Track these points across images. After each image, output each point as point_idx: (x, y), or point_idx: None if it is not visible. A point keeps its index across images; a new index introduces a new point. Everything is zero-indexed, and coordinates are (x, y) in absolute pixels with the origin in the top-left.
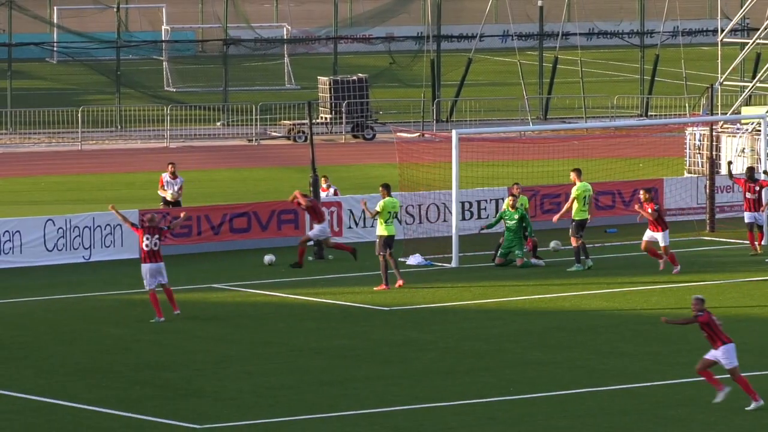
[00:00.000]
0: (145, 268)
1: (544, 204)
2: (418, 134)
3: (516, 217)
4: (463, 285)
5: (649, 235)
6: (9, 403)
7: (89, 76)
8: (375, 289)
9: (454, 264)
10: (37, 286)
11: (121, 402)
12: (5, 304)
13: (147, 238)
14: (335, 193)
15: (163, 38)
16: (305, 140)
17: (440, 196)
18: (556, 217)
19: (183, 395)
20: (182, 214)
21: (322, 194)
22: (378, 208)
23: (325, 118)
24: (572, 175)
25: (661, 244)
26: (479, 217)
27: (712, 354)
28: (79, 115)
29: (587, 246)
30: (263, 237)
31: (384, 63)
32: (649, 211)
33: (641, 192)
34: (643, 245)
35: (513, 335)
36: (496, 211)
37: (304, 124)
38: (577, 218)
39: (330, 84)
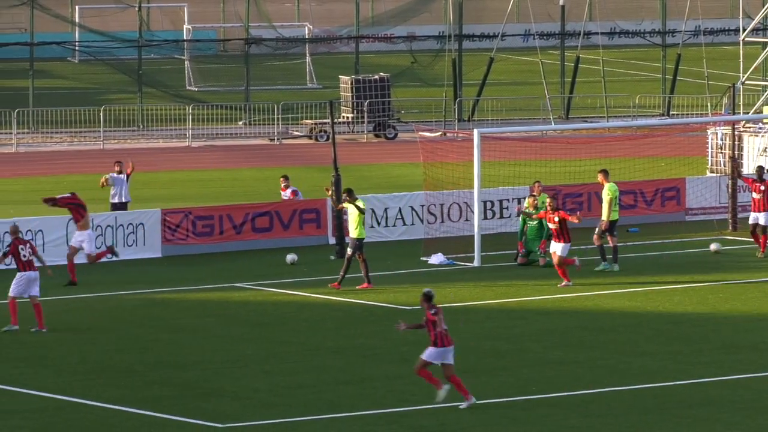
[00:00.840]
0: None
1: (566, 203)
2: (440, 133)
3: (535, 217)
4: (485, 284)
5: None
6: (29, 402)
7: (111, 75)
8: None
9: (476, 263)
10: (59, 285)
11: (140, 401)
12: (25, 303)
13: (21, 248)
14: (293, 194)
15: (185, 37)
16: (327, 139)
17: (462, 195)
18: (604, 224)
19: (203, 394)
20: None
21: (282, 194)
22: (362, 206)
23: (347, 118)
24: (600, 177)
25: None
26: (501, 216)
27: (429, 353)
28: (101, 114)
29: (604, 247)
30: (285, 236)
31: (405, 62)
32: (556, 219)
33: (548, 199)
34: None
35: (534, 334)
36: (518, 211)
37: (325, 123)
38: (609, 219)
39: (352, 83)
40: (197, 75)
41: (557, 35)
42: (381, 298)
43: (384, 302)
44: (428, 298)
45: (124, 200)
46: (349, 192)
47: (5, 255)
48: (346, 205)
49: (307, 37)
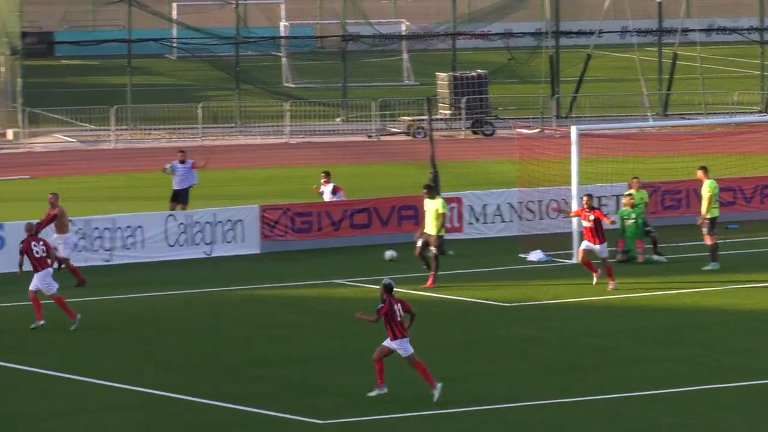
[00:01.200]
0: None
1: (665, 200)
2: (538, 130)
3: (633, 216)
4: (583, 281)
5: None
6: (130, 398)
7: (209, 72)
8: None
9: (574, 260)
10: (159, 281)
11: (241, 397)
12: (127, 300)
13: (34, 245)
14: (335, 191)
15: (282, 34)
16: (424, 136)
17: (560, 192)
18: (703, 220)
19: (304, 391)
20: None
21: (322, 189)
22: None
23: (445, 115)
24: (699, 173)
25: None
26: None
27: (389, 342)
28: (199, 111)
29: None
30: (384, 233)
31: (502, 59)
32: (591, 218)
33: (585, 197)
34: (580, 257)
35: (632, 332)
36: (617, 207)
37: (423, 120)
38: (709, 216)
39: (449, 80)
40: (294, 72)
41: (654, 32)
42: (478, 294)
43: (481, 299)
44: (388, 289)
45: (182, 186)
46: (429, 188)
47: (21, 254)
48: (426, 201)
49: (403, 33)
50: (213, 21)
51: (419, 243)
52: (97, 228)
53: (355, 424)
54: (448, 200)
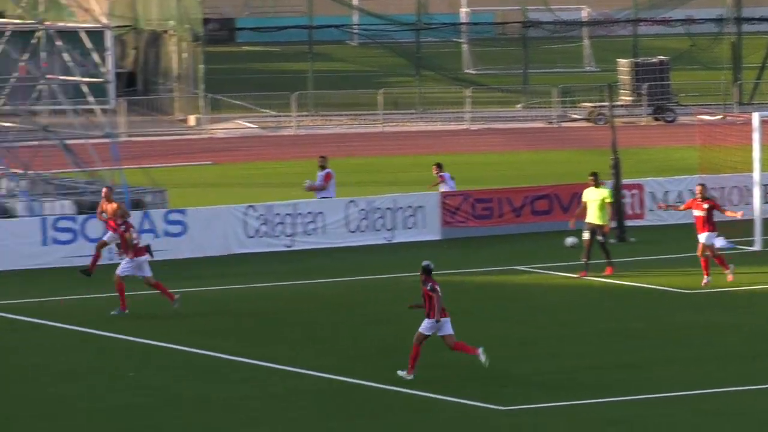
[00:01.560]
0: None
1: None
2: (720, 116)
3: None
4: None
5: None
6: (313, 383)
7: (389, 58)
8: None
9: (756, 247)
10: (340, 267)
11: (421, 382)
12: (311, 285)
13: (132, 231)
14: (441, 179)
15: (462, 20)
16: (605, 123)
17: (742, 178)
18: None
19: (485, 377)
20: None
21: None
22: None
23: (626, 101)
24: None
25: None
26: None
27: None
28: (380, 97)
29: None
30: (565, 219)
31: (683, 45)
32: (706, 207)
33: (698, 186)
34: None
35: None
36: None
37: (604, 106)
38: None
39: (631, 66)
40: (475, 58)
41: None
42: (660, 281)
43: (663, 285)
44: (426, 271)
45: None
46: (595, 176)
47: (123, 233)
48: (591, 189)
49: (584, 20)
50: (394, 7)
51: (586, 235)
52: (278, 214)
53: (536, 410)
54: (628, 187)
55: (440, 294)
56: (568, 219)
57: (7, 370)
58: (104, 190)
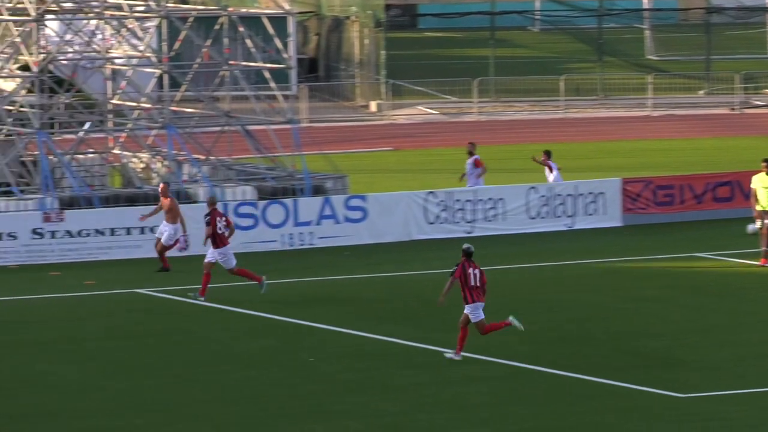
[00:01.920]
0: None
1: None
2: None
3: None
4: None
5: None
6: (495, 370)
7: (571, 44)
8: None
9: None
10: (520, 253)
11: (601, 369)
12: (494, 271)
13: (218, 221)
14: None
15: (645, 6)
16: None
17: None
18: None
19: (665, 364)
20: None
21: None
22: None
23: None
24: None
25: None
26: None
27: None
28: (562, 83)
29: None
30: (747, 206)
31: None
32: None
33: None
34: None
35: None
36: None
37: None
38: None
39: None
40: (657, 44)
41: None
42: None
43: None
44: (465, 253)
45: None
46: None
47: (208, 225)
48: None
49: None
50: None
51: (758, 224)
52: (458, 200)
53: (716, 397)
54: None
55: (470, 279)
56: (749, 206)
57: (194, 354)
58: (161, 185)
